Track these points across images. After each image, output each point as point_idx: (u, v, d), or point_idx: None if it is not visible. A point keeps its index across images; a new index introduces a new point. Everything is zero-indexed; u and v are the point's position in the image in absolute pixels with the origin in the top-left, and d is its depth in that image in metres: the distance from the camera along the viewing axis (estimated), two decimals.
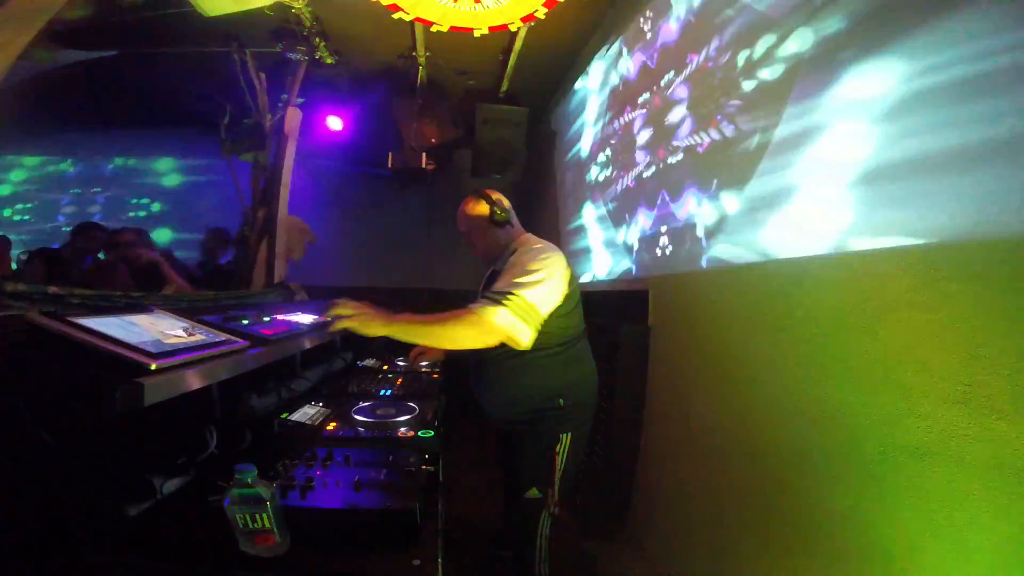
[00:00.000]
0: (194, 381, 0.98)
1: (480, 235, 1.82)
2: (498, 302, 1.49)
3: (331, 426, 1.50)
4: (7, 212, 5.77)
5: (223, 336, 1.19)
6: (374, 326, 1.42)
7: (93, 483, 1.02)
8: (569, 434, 1.68)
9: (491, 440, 2.22)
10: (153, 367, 0.88)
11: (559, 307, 1.61)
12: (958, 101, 1.05)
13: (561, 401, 1.66)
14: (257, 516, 0.94)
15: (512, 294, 1.50)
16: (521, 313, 1.49)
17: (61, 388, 0.90)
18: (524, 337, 1.52)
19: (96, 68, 3.77)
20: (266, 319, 1.60)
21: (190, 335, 1.10)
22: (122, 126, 5.14)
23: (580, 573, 2.26)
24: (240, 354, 1.19)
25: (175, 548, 0.99)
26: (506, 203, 1.82)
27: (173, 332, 1.07)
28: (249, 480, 0.93)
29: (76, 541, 0.97)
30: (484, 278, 1.88)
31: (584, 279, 3.39)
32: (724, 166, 1.87)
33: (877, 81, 1.23)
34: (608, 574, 2.23)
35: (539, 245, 1.69)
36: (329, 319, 1.45)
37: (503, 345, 1.60)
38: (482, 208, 1.79)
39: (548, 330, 1.60)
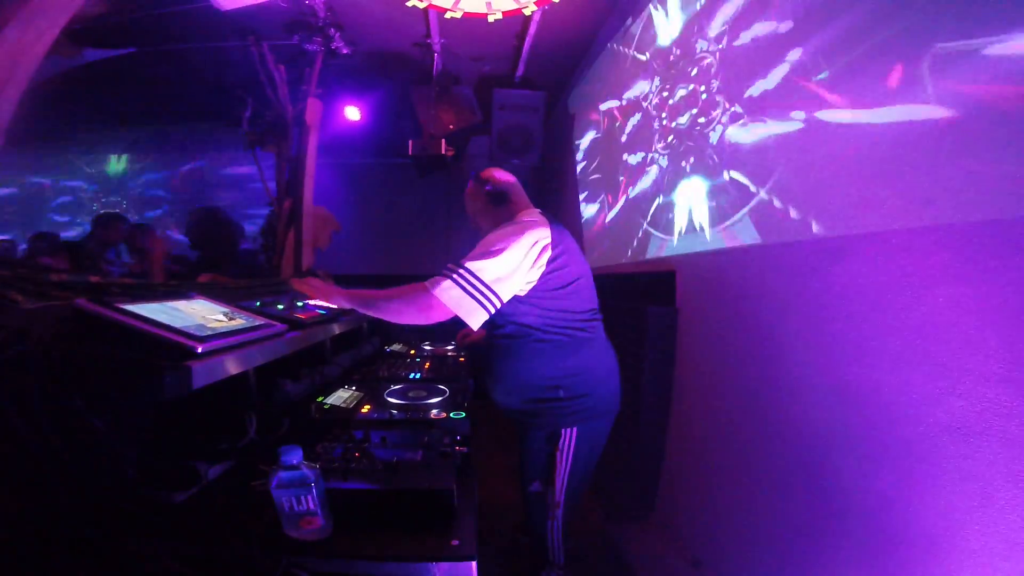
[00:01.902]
0: (239, 364, 1.00)
1: (483, 216, 1.77)
2: (446, 276, 1.42)
3: (365, 409, 1.52)
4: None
5: (262, 320, 1.21)
6: (334, 296, 1.53)
7: (141, 469, 1.05)
8: (575, 429, 1.59)
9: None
10: (199, 351, 0.89)
11: (537, 286, 1.52)
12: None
13: (561, 392, 1.56)
14: (302, 499, 0.96)
15: (463, 268, 1.42)
16: (469, 288, 1.41)
17: (110, 373, 0.92)
18: (473, 315, 1.42)
19: (116, 66, 3.81)
20: (299, 304, 1.62)
21: (231, 319, 1.12)
22: (143, 123, 5.21)
23: (606, 556, 2.27)
24: (279, 337, 1.22)
25: (222, 533, 1.02)
26: (503, 180, 1.76)
27: (214, 317, 1.09)
28: (295, 462, 0.95)
29: (126, 527, 1.00)
30: None
31: (608, 260, 3.37)
32: (755, 142, 1.83)
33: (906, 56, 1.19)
34: (635, 557, 2.24)
35: (526, 219, 1.58)
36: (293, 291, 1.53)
37: (502, 328, 1.58)
38: (477, 189, 1.76)
39: (533, 312, 1.54)
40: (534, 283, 1.51)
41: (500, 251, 1.44)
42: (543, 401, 1.58)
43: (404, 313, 1.45)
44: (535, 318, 1.55)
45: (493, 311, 1.45)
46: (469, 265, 1.42)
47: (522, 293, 1.52)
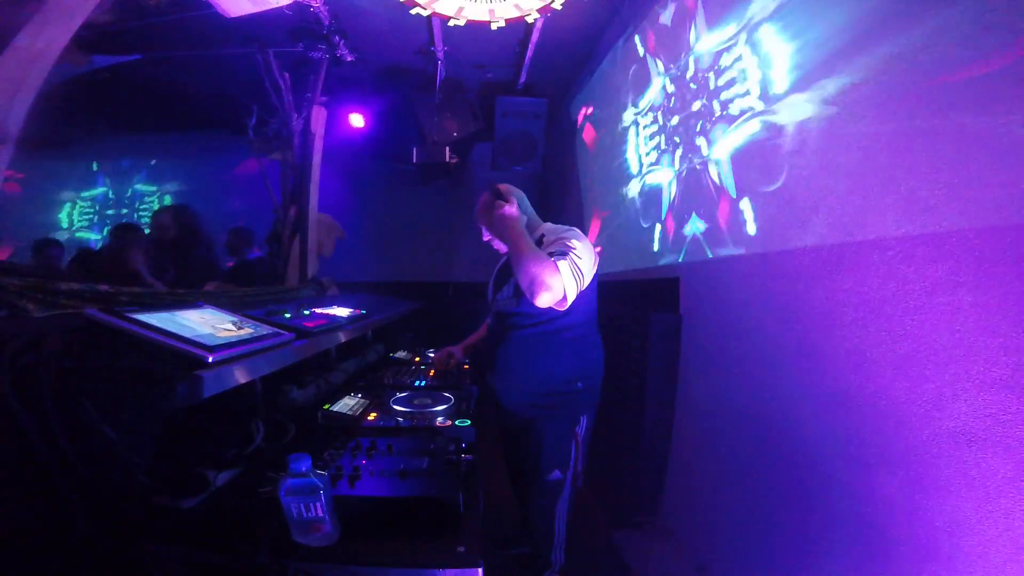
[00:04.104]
0: (248, 372, 1.01)
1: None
2: (562, 257, 1.52)
3: (371, 416, 1.53)
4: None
5: (270, 329, 1.22)
6: (512, 220, 1.62)
7: (151, 476, 1.06)
8: (586, 416, 1.75)
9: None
10: (210, 360, 0.90)
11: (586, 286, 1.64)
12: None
13: (580, 384, 1.71)
14: (311, 505, 0.96)
15: (566, 256, 1.53)
16: (576, 274, 1.52)
17: (121, 382, 0.93)
18: (570, 297, 1.53)
19: (122, 72, 3.84)
20: (305, 312, 1.63)
21: (239, 328, 1.13)
22: (149, 130, 5.23)
23: (609, 562, 2.27)
24: (287, 346, 1.23)
25: (231, 539, 1.02)
26: (519, 194, 1.84)
27: (223, 326, 1.10)
28: (303, 470, 0.96)
29: (136, 533, 1.00)
30: (495, 272, 1.89)
31: (612, 267, 3.38)
32: (758, 152, 1.85)
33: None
34: (638, 563, 2.23)
35: (570, 228, 1.72)
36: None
37: (527, 322, 1.66)
38: (500, 201, 1.78)
39: (574, 309, 1.63)
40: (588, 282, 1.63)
41: (584, 247, 1.59)
42: (564, 393, 1.71)
43: (532, 280, 1.49)
44: (574, 315, 1.66)
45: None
46: (570, 255, 1.53)
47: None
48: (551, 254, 1.54)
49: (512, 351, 1.74)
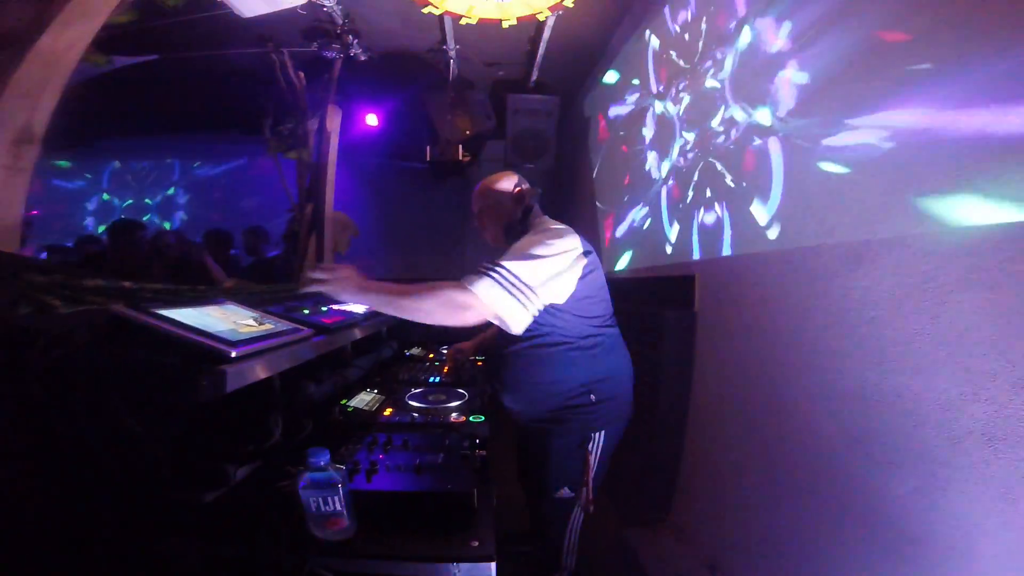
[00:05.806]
0: (269, 367, 1.03)
1: (496, 216, 1.73)
2: (484, 274, 1.33)
3: (387, 412, 1.55)
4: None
5: (289, 325, 1.23)
6: (347, 292, 1.34)
7: (174, 469, 1.08)
8: (603, 432, 1.59)
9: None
10: (233, 355, 0.92)
11: (573, 294, 1.48)
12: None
13: (592, 397, 1.56)
14: (329, 500, 0.98)
15: (502, 267, 1.34)
16: (511, 289, 1.32)
17: (147, 377, 0.95)
18: (515, 318, 1.35)
19: (139, 72, 3.89)
20: (323, 309, 1.65)
21: (260, 324, 1.15)
22: (167, 129, 5.31)
23: (621, 560, 2.27)
24: (306, 342, 1.24)
25: (250, 533, 1.04)
26: (528, 187, 1.74)
27: (244, 322, 1.12)
28: (322, 464, 0.97)
29: (159, 525, 1.03)
30: None
31: (627, 264, 3.37)
32: (775, 149, 1.83)
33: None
34: (650, 561, 2.23)
35: (554, 226, 1.56)
36: (304, 283, 1.39)
37: (535, 338, 1.52)
38: (507, 186, 1.69)
39: (568, 320, 1.51)
40: (572, 290, 1.48)
41: (543, 255, 1.40)
42: (574, 408, 1.56)
43: (436, 313, 1.32)
44: (570, 326, 1.52)
45: (535, 315, 1.39)
46: (509, 265, 1.34)
47: (560, 301, 1.47)
48: (480, 269, 1.36)
49: (514, 368, 1.61)
